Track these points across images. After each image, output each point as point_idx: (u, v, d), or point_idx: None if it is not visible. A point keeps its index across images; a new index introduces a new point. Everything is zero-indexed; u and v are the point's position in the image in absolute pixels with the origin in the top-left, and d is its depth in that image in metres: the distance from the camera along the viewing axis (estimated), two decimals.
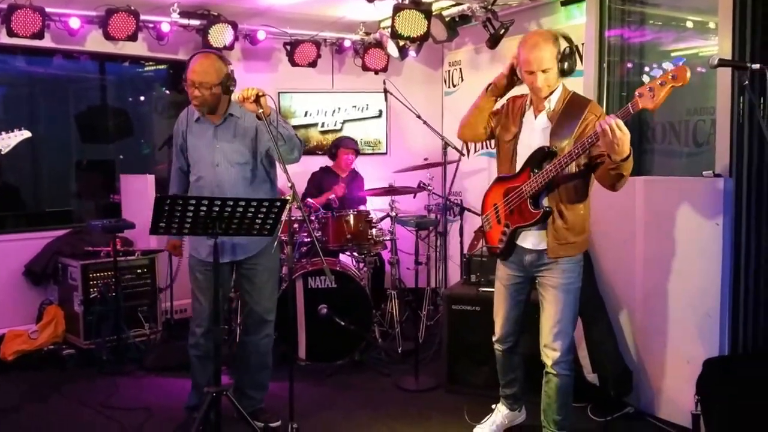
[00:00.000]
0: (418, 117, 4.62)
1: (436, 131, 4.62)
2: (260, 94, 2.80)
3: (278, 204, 2.77)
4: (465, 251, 4.85)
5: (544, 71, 2.68)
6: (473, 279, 3.97)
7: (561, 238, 2.75)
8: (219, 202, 2.69)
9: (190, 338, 3.24)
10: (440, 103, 6.11)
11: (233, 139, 3.13)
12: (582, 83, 4.05)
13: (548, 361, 2.81)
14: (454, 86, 5.95)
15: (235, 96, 2.87)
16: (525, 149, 2.82)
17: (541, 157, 2.72)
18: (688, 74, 2.26)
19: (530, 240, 2.84)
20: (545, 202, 2.76)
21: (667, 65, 2.28)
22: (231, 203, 2.70)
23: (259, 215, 2.77)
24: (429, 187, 5.12)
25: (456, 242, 5.36)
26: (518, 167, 2.84)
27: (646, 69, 4.03)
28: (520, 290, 2.97)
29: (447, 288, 4.36)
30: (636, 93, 2.36)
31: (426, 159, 5.25)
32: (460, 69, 5.85)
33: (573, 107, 2.72)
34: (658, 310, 3.38)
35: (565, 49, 2.68)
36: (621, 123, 2.35)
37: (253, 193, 3.15)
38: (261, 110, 2.78)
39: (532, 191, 2.72)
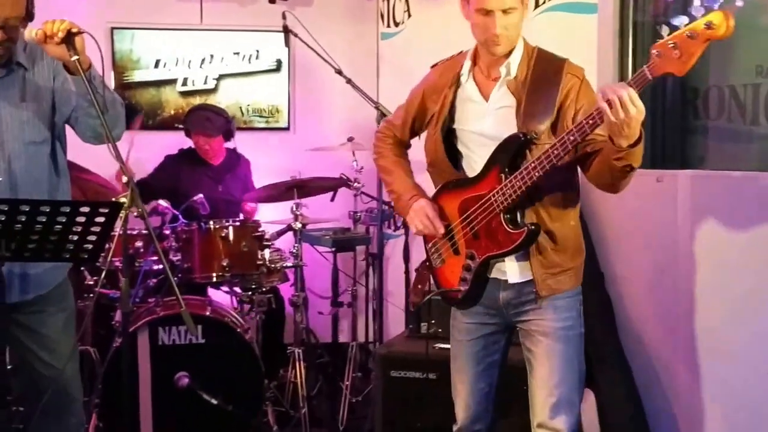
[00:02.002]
0: (339, 73, 4.59)
1: (366, 95, 4.60)
2: (74, 30, 2.75)
3: (106, 210, 2.71)
4: (411, 284, 4.79)
5: (505, 12, 2.75)
6: (425, 329, 3.96)
7: (552, 265, 2.82)
8: (6, 207, 2.63)
9: None
10: (374, 52, 6.09)
11: (22, 104, 3.09)
12: (596, 23, 4.07)
13: None
14: (396, 25, 5.90)
15: (31, 33, 2.81)
16: (475, 139, 2.90)
17: (515, 149, 2.77)
18: (731, 22, 2.29)
19: (506, 269, 2.89)
20: (525, 215, 2.83)
21: (696, 8, 2.32)
22: (28, 208, 2.65)
23: (75, 228, 2.71)
24: (356, 183, 5.08)
25: (398, 270, 5.31)
26: (473, 167, 2.91)
27: (695, 2, 4.06)
28: (491, 346, 3.01)
29: (383, 344, 4.41)
30: (652, 51, 2.41)
31: (351, 138, 5.25)
32: (406, 0, 5.82)
33: (544, 70, 2.82)
34: (711, 371, 3.40)
35: None
36: (635, 95, 2.43)
37: (59, 192, 3.15)
38: (76, 57, 2.73)
39: (507, 202, 2.76)
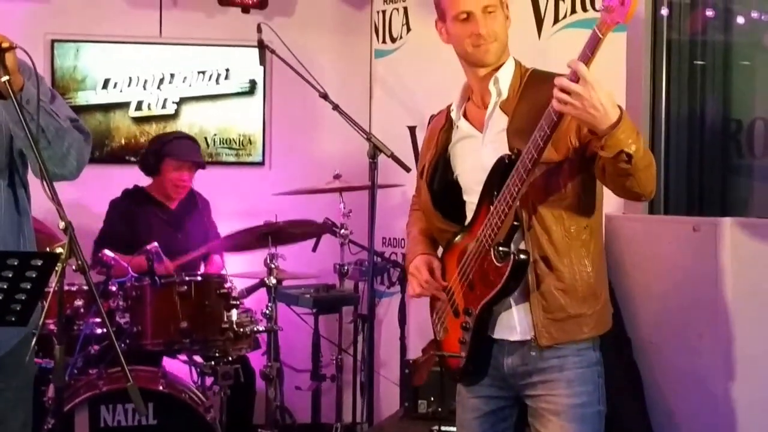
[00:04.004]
0: (324, 97, 4.59)
1: (356, 124, 4.61)
2: (4, 45, 2.75)
3: (38, 261, 2.67)
4: (408, 355, 4.78)
5: (486, 11, 2.87)
6: (423, 408, 4.03)
7: (554, 308, 2.80)
8: None
9: None
10: (367, 72, 6.17)
11: None
12: (624, 42, 4.12)
13: None
14: (393, 41, 5.98)
15: None
16: (475, 179, 2.92)
17: (501, 174, 2.79)
18: None
19: (509, 324, 2.89)
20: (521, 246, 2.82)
21: None
22: None
23: (0, 283, 2.65)
24: (343, 230, 5.15)
25: (392, 336, 5.43)
26: (469, 213, 2.96)
27: (739, 20, 4.09)
28: (501, 423, 3.02)
29: (374, 425, 4.45)
30: (601, 4, 2.49)
31: (338, 176, 5.29)
32: (405, 9, 5.87)
33: (538, 87, 2.87)
34: None
35: None
36: (584, 70, 2.48)
37: (23, 233, 3.14)
38: (6, 78, 2.74)
39: (494, 233, 2.79)
